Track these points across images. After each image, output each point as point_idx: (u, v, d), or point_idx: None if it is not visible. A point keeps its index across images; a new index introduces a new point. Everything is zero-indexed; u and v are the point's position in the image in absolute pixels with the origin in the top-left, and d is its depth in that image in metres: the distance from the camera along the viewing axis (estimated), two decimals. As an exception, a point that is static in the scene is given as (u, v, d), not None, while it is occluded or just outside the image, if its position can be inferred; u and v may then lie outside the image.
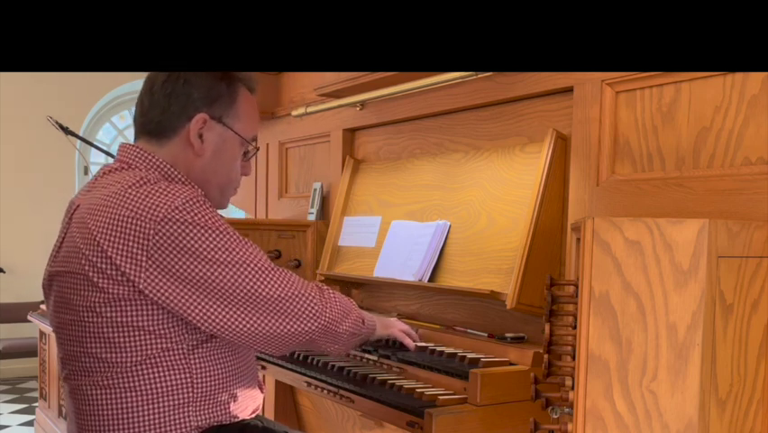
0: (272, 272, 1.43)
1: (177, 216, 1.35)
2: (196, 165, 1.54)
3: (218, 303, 1.38)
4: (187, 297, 1.37)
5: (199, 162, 1.54)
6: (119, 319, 1.38)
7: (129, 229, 1.36)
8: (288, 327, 1.44)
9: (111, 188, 1.44)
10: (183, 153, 1.53)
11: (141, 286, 1.36)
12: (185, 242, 1.35)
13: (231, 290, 1.38)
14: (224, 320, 1.39)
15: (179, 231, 1.35)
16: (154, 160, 1.51)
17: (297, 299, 1.44)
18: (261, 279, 1.41)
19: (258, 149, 1.65)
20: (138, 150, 1.52)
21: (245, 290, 1.39)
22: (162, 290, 1.36)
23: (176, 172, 1.52)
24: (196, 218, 1.37)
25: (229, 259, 1.38)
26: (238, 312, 1.40)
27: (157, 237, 1.35)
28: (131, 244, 1.35)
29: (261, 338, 1.44)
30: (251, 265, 1.40)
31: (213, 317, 1.39)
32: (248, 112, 1.58)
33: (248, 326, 1.41)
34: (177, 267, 1.36)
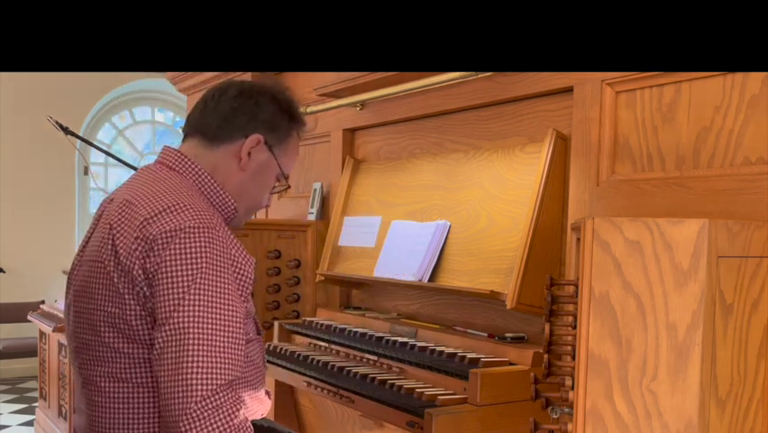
0: (217, 358, 1.34)
1: (176, 237, 1.37)
2: (234, 177, 1.61)
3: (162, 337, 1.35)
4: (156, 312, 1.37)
5: (239, 176, 1.62)
6: (133, 311, 1.40)
7: (138, 231, 1.40)
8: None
9: (145, 188, 1.48)
10: (226, 163, 1.60)
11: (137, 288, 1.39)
12: (171, 267, 1.36)
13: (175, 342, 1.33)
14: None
15: (174, 252, 1.37)
16: (194, 166, 1.58)
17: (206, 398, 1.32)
18: (202, 356, 1.33)
19: (288, 186, 1.77)
20: (180, 155, 1.58)
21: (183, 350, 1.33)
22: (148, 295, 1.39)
23: (212, 181, 1.58)
24: (195, 245, 1.38)
25: (192, 313, 1.34)
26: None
27: (155, 246, 1.37)
28: (136, 245, 1.39)
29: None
30: (205, 337, 1.34)
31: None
32: (294, 152, 1.71)
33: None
34: (156, 284, 1.37)
